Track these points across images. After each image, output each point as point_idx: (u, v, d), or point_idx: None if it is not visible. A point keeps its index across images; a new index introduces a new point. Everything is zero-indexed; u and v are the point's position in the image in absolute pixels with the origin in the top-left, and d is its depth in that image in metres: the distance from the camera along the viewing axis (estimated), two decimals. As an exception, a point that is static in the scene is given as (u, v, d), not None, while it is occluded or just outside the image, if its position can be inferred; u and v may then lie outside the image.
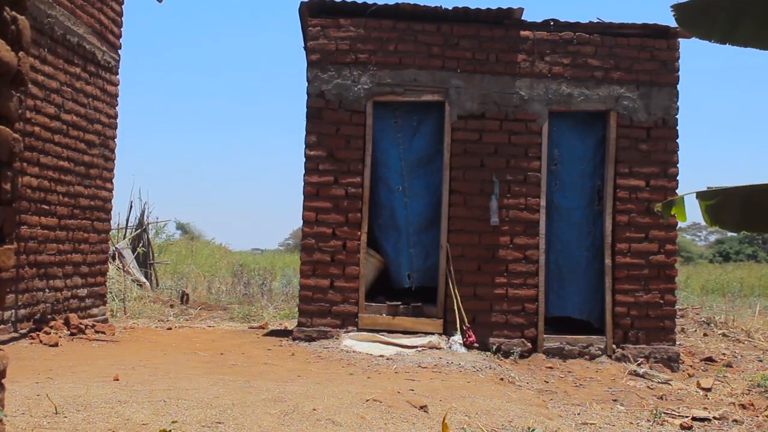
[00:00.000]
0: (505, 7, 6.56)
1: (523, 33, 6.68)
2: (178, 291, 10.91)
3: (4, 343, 5.31)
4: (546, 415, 4.12)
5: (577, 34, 6.69)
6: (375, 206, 6.70)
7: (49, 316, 6.13)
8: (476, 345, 6.26)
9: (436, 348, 6.05)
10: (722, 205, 3.36)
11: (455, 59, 6.63)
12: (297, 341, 6.35)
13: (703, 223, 3.49)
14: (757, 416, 4.88)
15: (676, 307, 6.98)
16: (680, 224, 6.30)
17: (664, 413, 4.75)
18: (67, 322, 6.15)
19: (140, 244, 12.33)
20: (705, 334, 8.76)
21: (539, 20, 6.75)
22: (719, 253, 34.04)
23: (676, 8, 3.39)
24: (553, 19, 6.73)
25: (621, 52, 6.69)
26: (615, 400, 5.19)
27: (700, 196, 3.47)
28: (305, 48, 6.93)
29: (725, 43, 3.15)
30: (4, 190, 1.83)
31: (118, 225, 12.75)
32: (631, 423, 4.46)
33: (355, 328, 6.39)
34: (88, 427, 2.77)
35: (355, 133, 6.55)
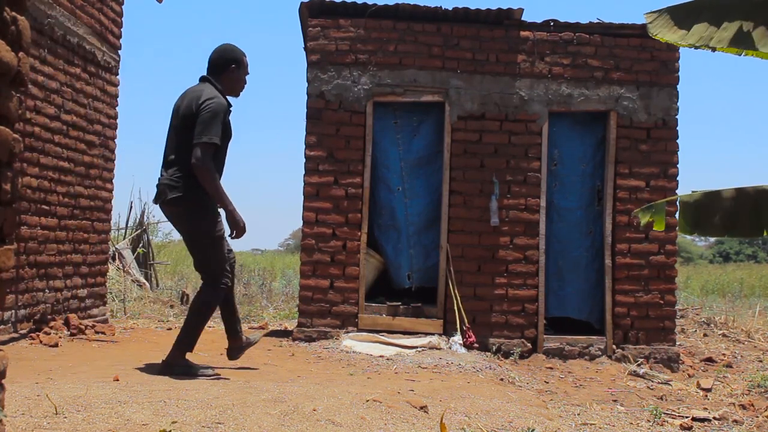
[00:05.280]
0: (505, 7, 6.57)
1: (523, 33, 6.68)
2: (178, 291, 10.91)
3: (4, 343, 5.31)
4: (546, 416, 4.12)
5: (577, 34, 6.69)
6: (375, 206, 6.70)
7: (49, 317, 6.13)
8: (476, 345, 6.26)
9: (436, 348, 6.05)
10: (706, 210, 3.35)
11: (455, 60, 6.63)
12: (297, 342, 6.35)
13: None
14: (757, 416, 4.88)
15: (676, 307, 6.98)
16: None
17: (664, 413, 4.75)
18: (67, 323, 6.15)
19: (140, 245, 12.33)
20: (705, 335, 8.77)
21: (539, 20, 6.75)
22: (719, 253, 34.08)
23: (649, 16, 3.42)
24: (553, 20, 6.73)
25: (621, 52, 6.69)
26: (615, 401, 5.19)
27: (681, 202, 3.46)
28: (305, 48, 6.94)
29: (701, 48, 3.17)
30: (4, 191, 1.83)
31: (118, 225, 12.75)
32: (631, 423, 4.46)
33: (355, 329, 6.39)
34: (88, 427, 2.77)
35: (355, 134, 6.55)
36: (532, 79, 6.65)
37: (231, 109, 4.55)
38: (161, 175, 4.47)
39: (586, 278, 6.74)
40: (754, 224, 3.23)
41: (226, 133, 4.48)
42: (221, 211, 4.48)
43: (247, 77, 4.73)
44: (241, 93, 4.72)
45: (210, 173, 4.28)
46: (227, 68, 4.59)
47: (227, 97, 4.58)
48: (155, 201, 4.52)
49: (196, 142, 4.27)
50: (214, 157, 4.34)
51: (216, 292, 4.51)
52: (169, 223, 4.95)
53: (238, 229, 4.43)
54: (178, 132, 4.43)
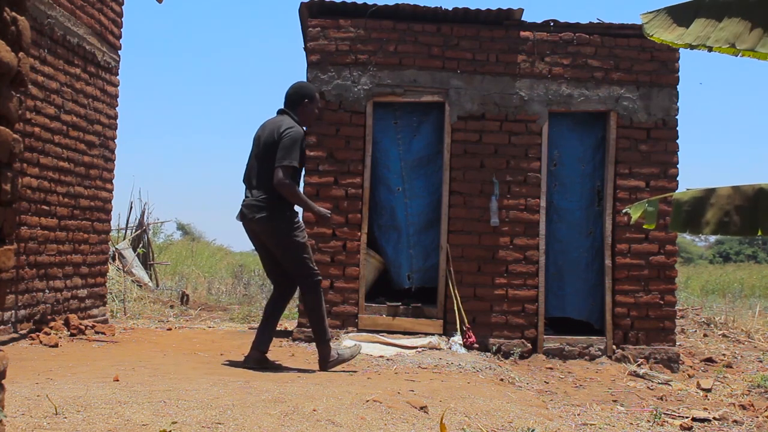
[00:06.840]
0: (505, 7, 6.57)
1: (523, 34, 6.68)
2: (178, 292, 10.91)
3: (4, 343, 5.31)
4: (546, 416, 4.12)
5: (577, 34, 6.69)
6: (375, 207, 6.70)
7: (49, 317, 6.13)
8: (476, 345, 6.26)
9: (436, 349, 6.05)
10: (699, 207, 3.33)
11: (455, 60, 6.63)
12: (297, 342, 6.35)
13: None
14: (757, 417, 4.88)
15: (677, 307, 6.98)
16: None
17: (664, 414, 4.75)
18: (67, 323, 6.15)
19: (140, 245, 12.33)
20: (705, 335, 8.77)
21: (539, 21, 6.75)
22: (719, 253, 34.04)
23: (645, 16, 3.41)
24: (553, 20, 6.73)
25: (621, 52, 6.69)
26: (615, 401, 5.19)
27: (675, 200, 3.44)
28: (305, 49, 6.94)
29: (698, 48, 3.17)
30: (5, 191, 1.83)
31: (119, 226, 12.75)
32: (631, 424, 4.46)
33: (355, 329, 6.39)
34: (87, 427, 2.77)
35: (355, 134, 6.55)
36: (532, 79, 6.65)
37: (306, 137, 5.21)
38: (246, 196, 5.03)
39: (586, 278, 6.74)
40: (749, 223, 3.21)
41: (302, 159, 5.04)
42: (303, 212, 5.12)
43: (317, 110, 5.30)
44: (313, 123, 5.36)
45: (293, 188, 4.89)
46: (302, 102, 5.14)
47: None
48: (239, 218, 5.06)
49: (278, 165, 4.83)
50: (293, 177, 4.93)
51: (315, 287, 5.04)
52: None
53: (327, 220, 5.24)
54: (260, 159, 4.98)
